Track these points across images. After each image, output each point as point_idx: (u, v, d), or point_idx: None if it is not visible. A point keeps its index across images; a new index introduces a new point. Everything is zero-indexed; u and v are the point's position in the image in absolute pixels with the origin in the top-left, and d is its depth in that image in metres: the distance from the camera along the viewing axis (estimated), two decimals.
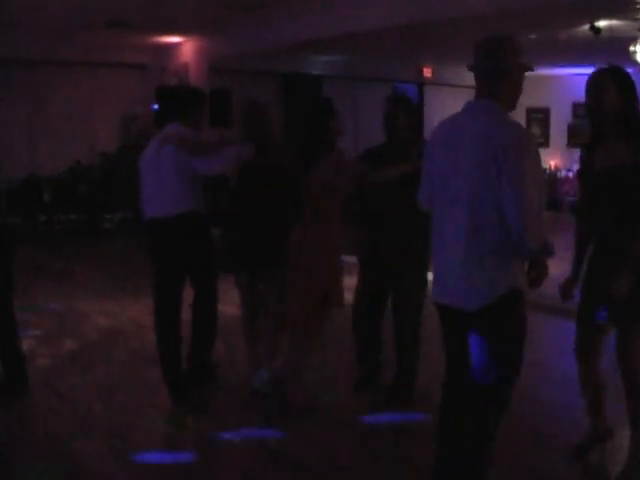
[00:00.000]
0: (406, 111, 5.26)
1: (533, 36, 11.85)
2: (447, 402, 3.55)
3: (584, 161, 4.16)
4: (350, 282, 5.50)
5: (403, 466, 4.33)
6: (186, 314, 5.43)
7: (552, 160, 18.96)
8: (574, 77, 16.96)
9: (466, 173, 3.24)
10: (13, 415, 5.13)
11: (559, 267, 4.09)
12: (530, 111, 19.09)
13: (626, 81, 3.96)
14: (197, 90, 5.97)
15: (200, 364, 5.59)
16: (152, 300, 5.47)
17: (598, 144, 4.05)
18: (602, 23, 10.96)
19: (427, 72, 18.27)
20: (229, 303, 6.63)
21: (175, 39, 14.78)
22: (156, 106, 14.23)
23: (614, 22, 11.12)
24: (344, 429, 4.90)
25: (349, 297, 5.33)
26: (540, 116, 19.53)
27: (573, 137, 18.63)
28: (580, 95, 4.40)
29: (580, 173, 4.27)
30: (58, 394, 5.54)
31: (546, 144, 19.30)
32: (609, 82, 3.93)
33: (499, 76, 3.32)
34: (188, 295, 5.43)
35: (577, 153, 4.40)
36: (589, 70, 4.18)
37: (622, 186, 3.91)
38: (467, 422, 3.40)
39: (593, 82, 3.98)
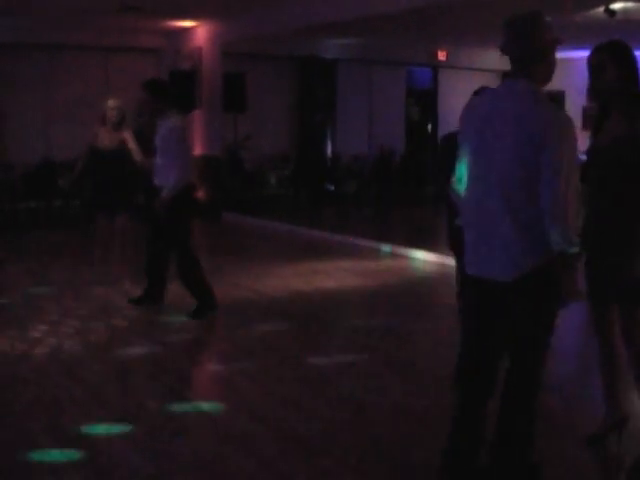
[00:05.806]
0: None
1: (548, 18, 11.76)
2: (472, 375, 3.62)
3: (590, 142, 4.15)
4: None
5: None
6: None
7: None
8: None
9: (502, 152, 3.28)
10: (30, 400, 5.13)
11: None
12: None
13: (624, 54, 3.96)
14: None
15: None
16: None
17: (602, 123, 4.04)
18: (617, 5, 10.89)
19: (441, 55, 18.17)
20: None
21: (189, 23, 14.76)
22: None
23: (629, 4, 11.05)
24: None
25: None
26: (555, 99, 19.45)
27: (588, 120, 18.53)
28: None
29: (587, 154, 4.25)
30: (77, 379, 5.54)
31: None
32: (607, 58, 3.93)
33: (536, 56, 3.37)
34: None
35: None
36: None
37: (619, 159, 3.88)
38: (513, 388, 3.52)
39: (592, 60, 3.99)
